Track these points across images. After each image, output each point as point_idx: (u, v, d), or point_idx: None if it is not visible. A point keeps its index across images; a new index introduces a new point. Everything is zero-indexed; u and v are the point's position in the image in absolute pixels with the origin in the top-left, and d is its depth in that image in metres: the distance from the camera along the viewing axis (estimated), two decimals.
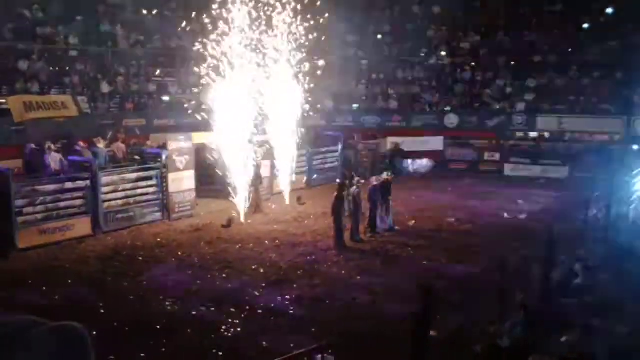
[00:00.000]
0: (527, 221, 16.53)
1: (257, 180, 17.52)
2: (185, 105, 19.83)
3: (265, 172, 18.61)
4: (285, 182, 19.22)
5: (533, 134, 25.63)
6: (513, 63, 27.57)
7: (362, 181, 15.26)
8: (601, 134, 24.34)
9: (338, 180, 16.49)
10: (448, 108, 27.41)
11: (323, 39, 18.59)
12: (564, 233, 12.01)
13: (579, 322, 6.74)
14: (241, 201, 16.79)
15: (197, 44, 16.48)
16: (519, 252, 12.68)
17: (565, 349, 6.33)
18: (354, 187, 14.71)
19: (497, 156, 25.61)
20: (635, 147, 22.93)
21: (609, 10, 27.01)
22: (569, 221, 14.88)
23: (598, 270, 8.02)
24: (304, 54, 18.17)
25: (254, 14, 16.52)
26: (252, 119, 17.01)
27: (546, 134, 25.34)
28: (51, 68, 21.60)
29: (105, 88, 22.31)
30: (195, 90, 16.92)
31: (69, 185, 14.77)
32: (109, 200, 15.47)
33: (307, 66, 18.31)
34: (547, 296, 7.82)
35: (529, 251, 11.89)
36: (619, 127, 23.89)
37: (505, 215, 17.23)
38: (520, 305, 7.79)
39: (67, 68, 22.02)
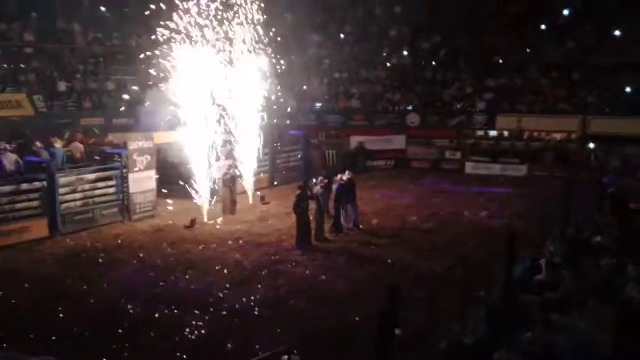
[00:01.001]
0: (488, 219, 16.79)
1: (231, 181, 17.38)
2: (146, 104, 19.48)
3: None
4: (248, 182, 19.07)
5: (493, 133, 26.10)
6: (473, 63, 27.98)
7: (326, 180, 15.25)
8: (559, 133, 25.01)
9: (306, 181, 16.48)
10: (410, 107, 27.66)
11: (286, 38, 18.55)
12: (524, 230, 12.28)
13: (540, 317, 6.85)
14: (204, 201, 16.60)
15: (156, 43, 16.21)
16: (481, 250, 12.90)
17: (527, 345, 6.42)
18: (318, 187, 14.71)
19: (458, 155, 25.98)
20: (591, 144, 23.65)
21: (565, 12, 27.66)
22: (529, 218, 15.23)
23: (560, 267, 8.18)
24: (268, 53, 18.07)
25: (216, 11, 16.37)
26: (215, 118, 16.84)
27: (505, 133, 25.84)
28: (5, 65, 21.00)
29: (62, 86, 21.81)
30: (156, 88, 16.63)
31: (24, 186, 14.38)
32: (67, 201, 15.12)
33: (270, 65, 18.22)
34: (509, 293, 7.92)
35: (490, 248, 12.10)
36: (576, 126, 24.48)
37: (467, 213, 17.46)
38: (482, 302, 7.90)
39: (23, 66, 21.44)
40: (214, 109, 16.76)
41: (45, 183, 14.59)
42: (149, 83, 16.94)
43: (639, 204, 14.02)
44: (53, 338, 8.76)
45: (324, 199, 14.79)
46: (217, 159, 17.61)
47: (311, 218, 14.23)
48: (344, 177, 15.51)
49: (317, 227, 14.43)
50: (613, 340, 6.33)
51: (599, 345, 6.27)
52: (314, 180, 15.07)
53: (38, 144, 16.54)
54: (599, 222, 11.28)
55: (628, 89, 24.58)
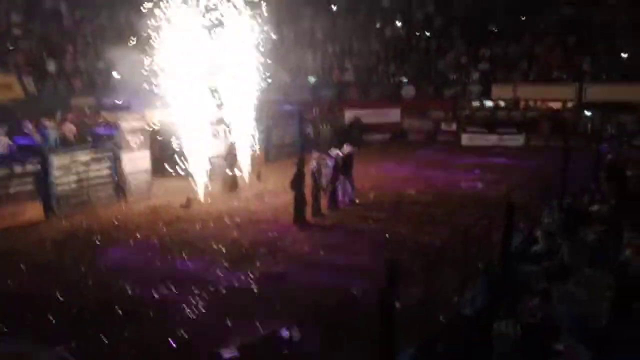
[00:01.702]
0: (486, 190, 16.76)
1: (231, 158, 17.28)
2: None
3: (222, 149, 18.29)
4: (244, 159, 18.94)
5: (488, 103, 25.96)
6: (467, 32, 27.72)
7: (323, 156, 15.14)
8: (555, 101, 24.88)
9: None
10: (404, 79, 27.45)
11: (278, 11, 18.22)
12: (522, 200, 12.24)
13: (539, 288, 6.82)
14: (200, 180, 16.50)
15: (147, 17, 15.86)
16: (479, 221, 12.86)
17: (526, 315, 6.40)
18: (314, 163, 14.60)
19: (454, 126, 25.87)
20: (587, 112, 23.54)
21: None
22: (527, 188, 15.19)
23: (558, 236, 8.14)
24: (259, 27, 17.77)
25: None
26: (208, 95, 16.64)
27: (501, 103, 25.69)
28: None
29: (51, 67, 21.54)
30: (147, 66, 16.34)
31: (18, 169, 14.23)
32: (62, 184, 15.01)
33: (262, 39, 17.95)
34: (507, 263, 7.90)
35: (488, 220, 12.06)
36: (572, 94, 24.34)
37: (464, 185, 17.43)
38: (481, 273, 7.88)
39: (11, 47, 21.13)
40: (206, 85, 16.53)
41: (38, 166, 14.47)
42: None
43: (636, 171, 13.98)
44: (52, 321, 8.74)
45: (319, 174, 14.70)
46: (213, 136, 17.44)
47: (308, 194, 14.17)
48: (341, 152, 15.42)
49: (313, 203, 14.38)
50: (611, 308, 6.32)
51: (598, 313, 6.26)
52: (313, 155, 14.91)
53: (29, 126, 16.39)
54: (596, 191, 11.24)
55: (624, 55, 24.41)
